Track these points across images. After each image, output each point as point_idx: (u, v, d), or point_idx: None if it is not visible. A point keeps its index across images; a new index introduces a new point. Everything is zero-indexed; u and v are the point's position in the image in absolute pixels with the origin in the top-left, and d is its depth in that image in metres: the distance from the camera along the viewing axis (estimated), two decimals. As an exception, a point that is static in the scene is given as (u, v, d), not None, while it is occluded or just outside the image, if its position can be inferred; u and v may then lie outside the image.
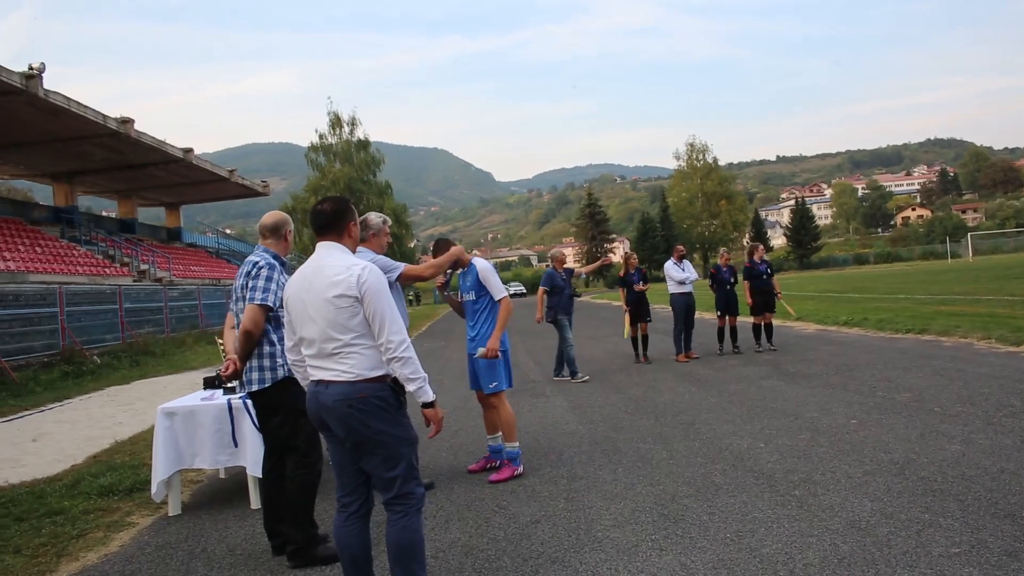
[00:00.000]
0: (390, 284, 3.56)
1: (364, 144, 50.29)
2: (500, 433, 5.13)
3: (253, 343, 3.56)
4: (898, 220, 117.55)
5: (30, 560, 3.88)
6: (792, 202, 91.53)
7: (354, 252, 2.99)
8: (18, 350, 13.75)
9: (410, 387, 2.75)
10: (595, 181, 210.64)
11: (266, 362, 3.59)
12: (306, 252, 34.62)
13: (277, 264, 3.69)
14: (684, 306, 10.44)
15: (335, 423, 2.74)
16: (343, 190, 45.31)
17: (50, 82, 17.44)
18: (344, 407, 2.71)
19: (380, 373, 2.77)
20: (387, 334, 2.70)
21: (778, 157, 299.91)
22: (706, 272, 34.92)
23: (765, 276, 10.68)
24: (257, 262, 3.64)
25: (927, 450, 4.61)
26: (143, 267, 24.47)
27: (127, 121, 21.29)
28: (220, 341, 5.14)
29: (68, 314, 15.50)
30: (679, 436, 5.61)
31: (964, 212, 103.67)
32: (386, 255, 4.51)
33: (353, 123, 50.45)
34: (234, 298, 3.79)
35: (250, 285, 3.58)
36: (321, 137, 50.33)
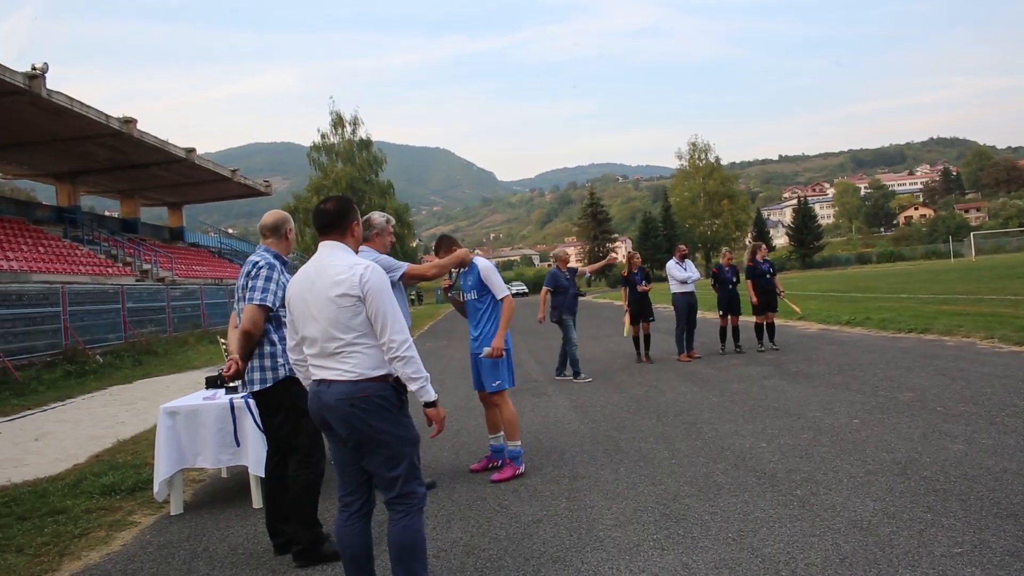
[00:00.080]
0: (392, 284, 3.56)
1: (366, 144, 50.34)
2: (502, 432, 5.13)
3: (253, 343, 3.56)
4: (901, 219, 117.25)
5: (32, 559, 3.89)
6: (794, 201, 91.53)
7: (356, 252, 2.99)
8: (21, 349, 13.79)
9: (412, 386, 2.75)
10: (597, 181, 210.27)
11: (267, 362, 3.59)
12: (308, 252, 34.65)
13: (278, 264, 3.68)
14: (686, 305, 10.43)
15: (337, 422, 2.75)
16: (345, 190, 45.35)
17: (52, 82, 17.50)
18: (346, 406, 2.71)
19: (382, 372, 2.77)
20: (389, 333, 2.70)
21: (780, 156, 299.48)
22: (708, 272, 34.92)
23: (768, 275, 10.66)
24: (257, 262, 3.64)
25: (930, 450, 4.60)
26: (146, 267, 24.52)
27: (130, 121, 21.33)
28: (223, 341, 5.15)
29: (71, 314, 15.54)
30: (681, 435, 5.61)
31: (967, 211, 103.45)
32: (389, 254, 4.51)
33: (355, 123, 50.56)
34: (236, 298, 3.79)
35: (249, 285, 3.58)
36: (323, 137, 50.43)
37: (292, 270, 3.54)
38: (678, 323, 10.50)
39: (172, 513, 4.59)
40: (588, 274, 12.36)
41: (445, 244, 4.94)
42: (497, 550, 3.54)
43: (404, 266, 4.34)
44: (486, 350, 4.82)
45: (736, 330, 10.77)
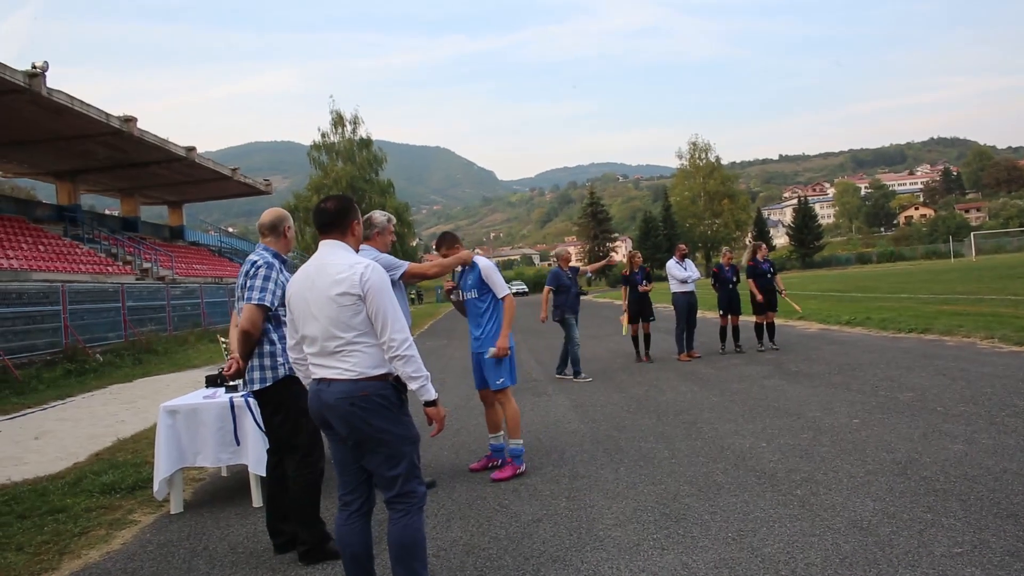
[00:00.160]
0: (393, 283, 3.56)
1: (366, 143, 50.33)
2: (502, 432, 5.14)
3: (252, 343, 3.56)
4: (901, 219, 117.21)
5: (32, 558, 3.89)
6: (795, 201, 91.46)
7: (357, 251, 2.99)
8: (21, 348, 13.79)
9: (412, 385, 2.75)
10: (597, 180, 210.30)
11: (267, 361, 3.58)
12: (308, 251, 34.67)
13: (276, 263, 3.67)
14: (686, 305, 10.43)
15: (337, 421, 2.74)
16: (345, 189, 45.35)
17: (53, 81, 17.51)
18: (346, 405, 2.71)
19: (382, 371, 2.77)
20: (390, 332, 2.70)
21: (781, 156, 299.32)
22: (708, 271, 34.88)
23: (768, 275, 10.66)
24: (256, 261, 3.63)
25: (930, 450, 4.60)
26: (146, 265, 24.51)
27: (130, 120, 21.34)
28: (223, 339, 5.16)
29: (71, 312, 15.54)
30: (681, 435, 5.61)
31: (967, 211, 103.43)
32: (389, 253, 4.51)
33: (355, 122, 50.55)
34: (236, 297, 3.79)
35: (248, 285, 3.57)
36: (323, 136, 50.43)
37: (292, 269, 3.53)
38: (678, 323, 10.50)
39: (172, 512, 4.59)
40: (589, 274, 12.33)
41: (447, 241, 4.94)
42: (497, 549, 3.54)
43: (405, 265, 4.34)
44: (492, 350, 4.84)
45: (736, 330, 10.77)
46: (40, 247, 20.48)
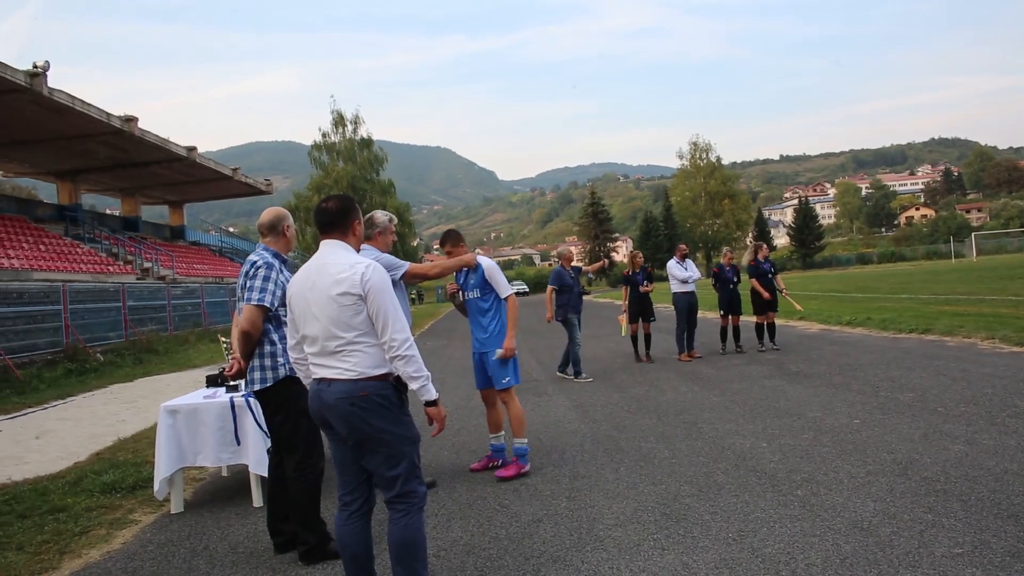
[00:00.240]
0: (393, 283, 3.55)
1: (367, 142, 50.33)
2: (503, 432, 5.15)
3: (252, 343, 3.56)
4: (902, 220, 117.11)
5: (33, 557, 3.89)
6: (795, 201, 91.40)
7: (358, 250, 2.99)
8: (22, 347, 13.80)
9: (413, 385, 2.75)
10: (598, 180, 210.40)
11: (267, 361, 3.58)
12: (309, 251, 34.68)
13: (276, 263, 3.66)
14: (687, 305, 10.43)
15: (337, 421, 2.74)
16: (346, 188, 45.35)
17: (53, 81, 17.52)
18: (346, 405, 2.71)
19: (383, 371, 2.77)
20: (390, 332, 2.70)
21: (781, 156, 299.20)
22: (709, 271, 34.85)
23: (769, 275, 10.67)
24: (255, 262, 3.63)
25: (930, 450, 4.60)
26: (146, 265, 24.52)
27: (131, 119, 21.35)
28: (223, 339, 5.15)
29: (72, 312, 15.55)
30: (681, 435, 5.61)
31: (968, 212, 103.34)
32: (390, 253, 4.51)
33: (356, 122, 50.53)
34: (237, 297, 3.79)
35: (247, 285, 3.57)
36: (324, 136, 50.43)
37: (293, 268, 3.53)
38: (679, 323, 10.50)
39: (172, 511, 4.59)
40: (590, 274, 12.31)
41: (452, 238, 4.94)
42: (497, 549, 3.54)
43: (406, 265, 4.34)
44: (499, 352, 4.85)
45: (737, 330, 10.77)
46: (41, 247, 20.49)
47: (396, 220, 4.82)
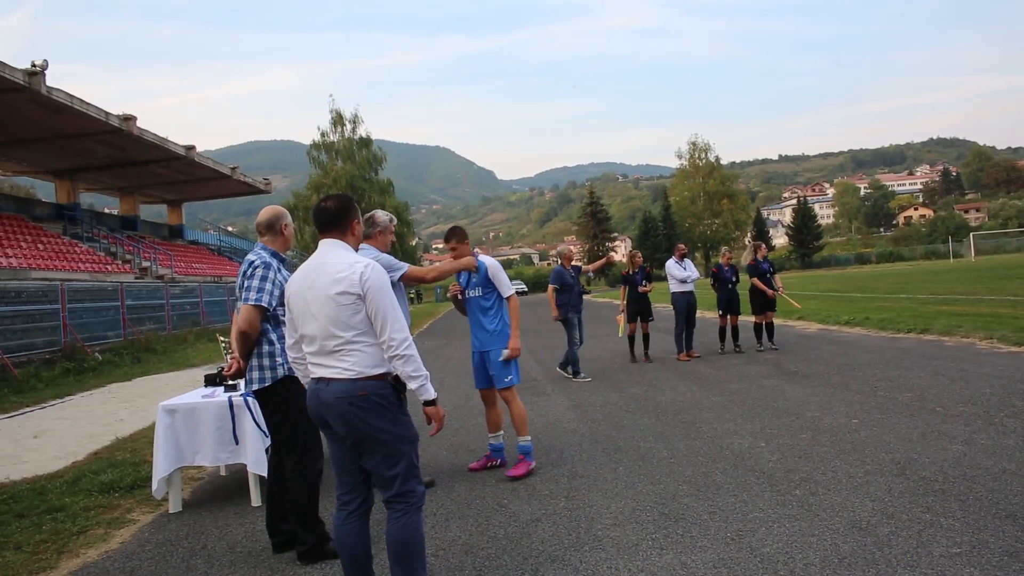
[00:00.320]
0: (392, 283, 3.55)
1: (366, 142, 50.32)
2: (501, 432, 5.15)
3: (250, 343, 3.55)
4: (900, 220, 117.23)
5: (31, 557, 3.88)
6: (794, 201, 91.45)
7: (357, 250, 2.98)
8: (20, 347, 13.78)
9: (412, 385, 2.75)
10: (597, 180, 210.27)
11: (266, 361, 3.58)
12: (308, 250, 34.65)
13: (274, 262, 3.65)
14: (685, 305, 10.43)
15: (336, 420, 2.74)
16: (345, 188, 45.34)
17: (52, 80, 17.51)
18: (345, 404, 2.70)
19: (381, 371, 2.77)
20: (389, 332, 2.70)
21: (780, 156, 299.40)
22: (708, 271, 34.83)
23: (768, 274, 10.69)
24: (253, 261, 3.62)
25: (928, 450, 4.61)
26: (145, 264, 24.50)
27: (129, 118, 21.33)
28: (222, 339, 5.14)
29: (70, 311, 15.53)
30: (680, 435, 5.61)
31: (967, 212, 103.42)
32: (389, 253, 4.51)
33: (355, 121, 50.53)
34: (236, 296, 3.78)
35: (245, 285, 3.56)
36: (323, 135, 50.41)
37: (292, 267, 3.52)
38: (677, 322, 10.50)
39: (171, 511, 4.59)
40: (590, 273, 12.30)
41: (457, 235, 4.95)
42: (496, 549, 3.54)
43: (405, 267, 4.33)
44: (506, 352, 4.87)
45: (735, 330, 10.78)
46: (39, 246, 20.46)
47: (396, 221, 4.82)
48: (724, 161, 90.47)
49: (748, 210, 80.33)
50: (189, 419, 4.53)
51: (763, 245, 11.20)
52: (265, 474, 4.22)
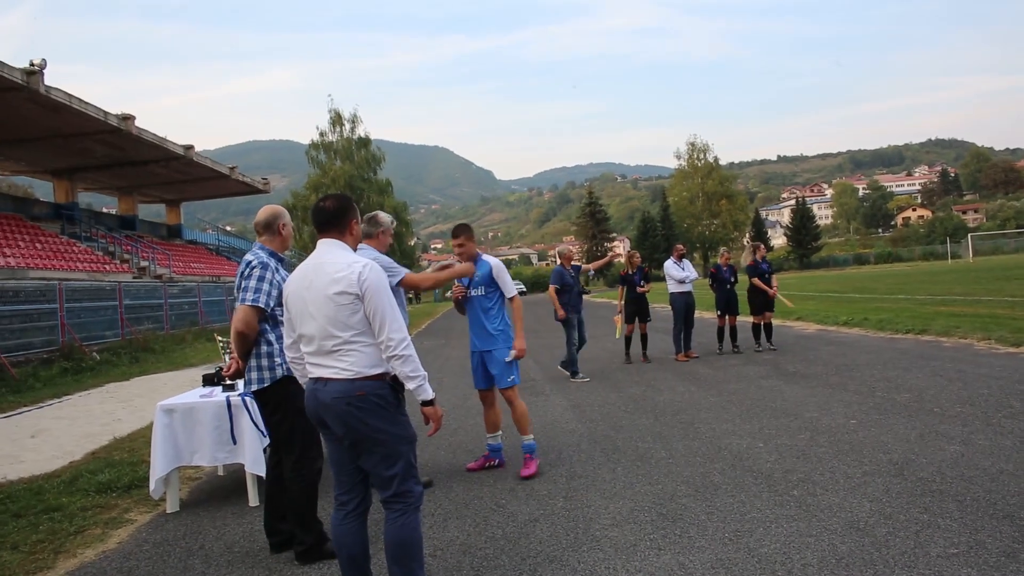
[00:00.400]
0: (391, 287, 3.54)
1: (365, 142, 50.33)
2: (500, 432, 5.15)
3: (248, 343, 3.54)
4: (899, 220, 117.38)
5: (28, 556, 3.87)
6: (793, 202, 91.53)
7: (355, 250, 2.98)
8: (17, 346, 13.75)
9: (410, 385, 2.74)
10: (596, 180, 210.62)
11: (264, 361, 3.57)
12: (306, 250, 34.64)
13: (272, 262, 3.64)
14: (684, 305, 10.43)
15: (333, 421, 2.74)
16: (344, 187, 45.35)
17: (51, 80, 17.48)
18: (343, 405, 2.70)
19: (379, 371, 2.76)
20: (387, 332, 2.70)
21: (779, 157, 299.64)
22: (706, 271, 34.81)
23: (767, 275, 10.71)
24: (250, 262, 3.61)
25: (926, 451, 4.61)
26: (143, 264, 24.47)
27: (128, 118, 21.29)
28: (220, 338, 5.15)
29: (68, 310, 15.50)
30: (678, 435, 5.61)
31: (965, 213, 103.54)
32: (386, 254, 4.52)
33: (354, 121, 50.56)
34: (235, 297, 3.78)
35: (242, 286, 3.55)
36: (322, 135, 50.43)
37: (290, 267, 3.52)
38: (676, 323, 10.50)
39: (168, 511, 4.58)
40: (591, 272, 12.28)
41: (466, 231, 4.96)
42: (494, 549, 3.53)
43: (403, 273, 4.32)
44: (513, 353, 4.89)
45: (734, 330, 10.79)
46: (37, 245, 20.43)
47: (395, 222, 4.83)
48: (723, 161, 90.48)
49: (747, 211, 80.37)
50: (187, 419, 4.53)
51: (762, 246, 11.22)
52: (263, 474, 4.22)
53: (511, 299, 4.96)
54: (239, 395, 4.35)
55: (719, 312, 10.77)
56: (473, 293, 4.98)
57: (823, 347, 10.57)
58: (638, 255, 11.03)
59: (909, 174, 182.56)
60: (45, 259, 19.32)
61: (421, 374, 2.74)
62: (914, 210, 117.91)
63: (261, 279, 3.53)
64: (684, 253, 11.02)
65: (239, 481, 4.96)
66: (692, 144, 77.63)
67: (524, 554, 3.44)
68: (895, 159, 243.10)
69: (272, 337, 3.58)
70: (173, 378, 12.25)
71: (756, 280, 10.62)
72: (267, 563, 3.61)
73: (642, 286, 10.30)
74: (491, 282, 4.93)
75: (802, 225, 74.95)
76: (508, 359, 4.88)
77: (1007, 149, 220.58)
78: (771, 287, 10.65)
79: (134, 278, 22.10)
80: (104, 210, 37.39)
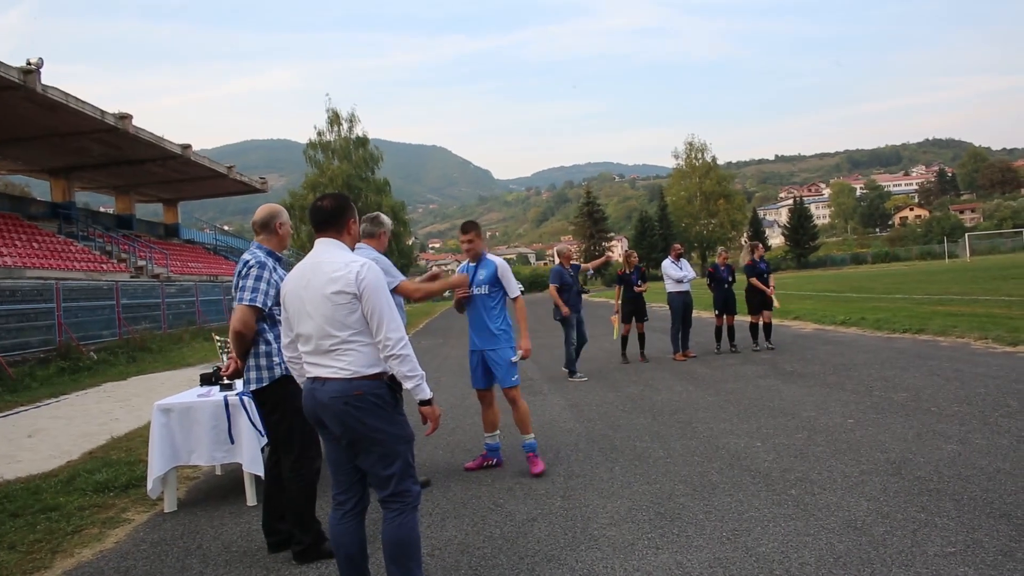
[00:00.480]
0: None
1: (362, 141, 50.35)
2: (498, 431, 5.15)
3: (246, 343, 3.54)
4: (896, 220, 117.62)
5: (25, 556, 3.87)
6: (790, 201, 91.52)
7: (353, 249, 2.98)
8: (14, 345, 13.73)
9: (408, 384, 2.74)
10: (594, 179, 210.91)
11: (262, 361, 3.57)
12: (304, 249, 34.61)
13: (269, 262, 3.63)
14: (682, 305, 10.44)
15: (331, 420, 2.73)
16: (341, 187, 45.34)
17: (48, 79, 17.44)
18: (340, 404, 2.70)
19: (377, 370, 2.76)
20: (385, 331, 2.69)
21: (777, 156, 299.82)
22: (704, 271, 34.85)
23: (765, 275, 10.72)
24: (248, 261, 3.60)
25: (923, 450, 4.62)
26: (140, 263, 24.43)
27: (125, 117, 21.26)
28: (218, 338, 5.15)
29: (65, 310, 15.48)
30: (676, 435, 5.61)
31: (962, 212, 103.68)
32: (384, 253, 4.52)
33: (351, 120, 50.58)
34: (232, 296, 3.77)
35: (240, 285, 3.55)
36: (320, 134, 50.45)
37: (288, 266, 3.51)
38: (673, 322, 10.51)
39: (166, 510, 4.57)
40: (590, 271, 12.26)
41: (475, 228, 5.01)
42: (492, 548, 3.53)
43: (400, 279, 4.31)
44: (520, 352, 4.92)
45: (732, 329, 10.80)
46: (34, 244, 20.39)
47: (393, 224, 4.85)
48: (720, 161, 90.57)
49: (744, 210, 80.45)
50: (185, 418, 4.52)
51: (760, 245, 11.23)
52: (260, 473, 4.22)
53: (514, 299, 4.97)
54: (237, 395, 4.34)
55: (717, 312, 10.78)
56: (476, 292, 4.97)
57: (820, 346, 10.59)
58: (635, 254, 11.05)
59: (906, 174, 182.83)
60: (42, 258, 19.28)
61: (419, 373, 2.74)
62: (911, 210, 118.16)
63: (259, 279, 3.52)
64: (682, 253, 11.02)
65: (237, 481, 4.96)
66: (690, 144, 77.79)
67: (522, 553, 3.44)
68: (892, 159, 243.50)
69: (270, 336, 3.58)
70: (170, 378, 12.23)
71: (754, 280, 10.63)
72: (265, 563, 3.60)
73: (639, 286, 10.31)
74: (495, 281, 4.93)
75: (800, 225, 75.04)
76: (515, 359, 4.89)
77: (1004, 149, 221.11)
78: (769, 287, 10.67)
79: (131, 277, 22.06)
80: (101, 209, 37.32)
